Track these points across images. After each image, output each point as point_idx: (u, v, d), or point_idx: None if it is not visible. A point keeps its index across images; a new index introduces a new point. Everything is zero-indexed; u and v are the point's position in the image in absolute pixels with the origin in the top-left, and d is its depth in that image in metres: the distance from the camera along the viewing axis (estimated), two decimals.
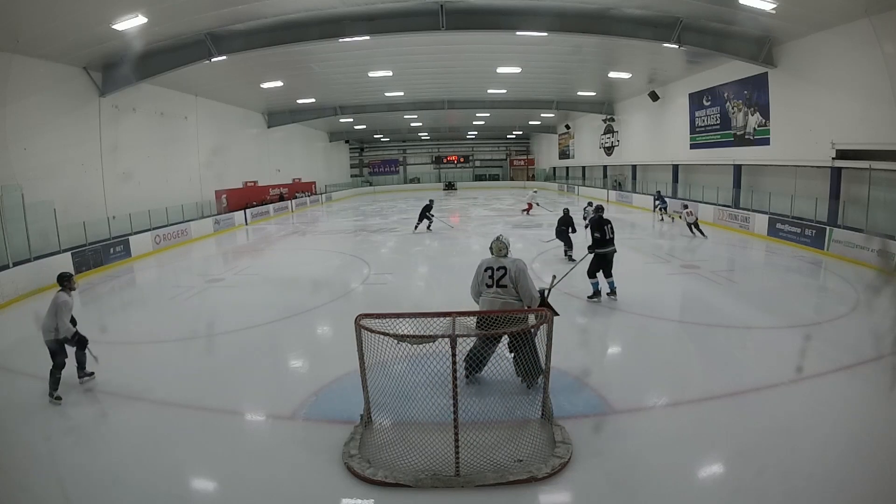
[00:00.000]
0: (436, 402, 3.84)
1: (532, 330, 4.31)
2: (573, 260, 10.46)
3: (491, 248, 5.12)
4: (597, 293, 8.01)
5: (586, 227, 11.86)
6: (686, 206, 15.81)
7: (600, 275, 7.96)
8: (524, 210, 22.14)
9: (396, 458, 3.72)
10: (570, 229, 11.37)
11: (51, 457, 4.06)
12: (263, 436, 4.52)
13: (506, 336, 4.51)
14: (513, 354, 4.56)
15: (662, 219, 18.45)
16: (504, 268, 4.87)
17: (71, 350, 5.36)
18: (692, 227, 14.65)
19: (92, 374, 5.56)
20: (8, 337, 7.61)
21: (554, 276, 6.55)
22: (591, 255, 7.97)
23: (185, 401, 4.96)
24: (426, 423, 3.92)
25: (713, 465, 3.88)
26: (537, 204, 22.36)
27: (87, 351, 5.45)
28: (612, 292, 8.02)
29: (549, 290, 5.76)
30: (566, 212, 11.78)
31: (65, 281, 5.45)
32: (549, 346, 3.93)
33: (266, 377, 5.70)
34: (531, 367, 4.43)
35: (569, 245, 11.37)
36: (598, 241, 7.80)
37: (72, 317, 5.34)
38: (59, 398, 5.11)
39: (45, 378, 5.06)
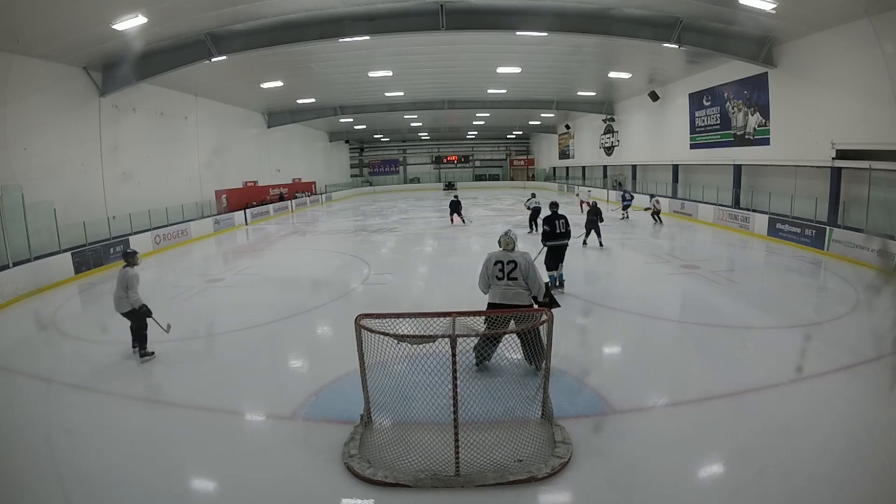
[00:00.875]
0: (436, 402, 3.83)
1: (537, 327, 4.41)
2: (602, 246, 12.64)
3: (499, 242, 5.40)
4: (553, 284, 8.38)
5: (530, 218, 15.73)
6: (652, 196, 18.85)
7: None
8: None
9: (396, 458, 3.72)
10: (598, 218, 12.69)
11: (51, 457, 4.05)
12: (263, 436, 4.51)
13: (513, 322, 4.64)
14: (520, 341, 4.81)
15: (623, 216, 18.71)
16: (514, 261, 5.19)
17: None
18: (655, 215, 17.17)
19: (152, 353, 5.94)
20: (8, 337, 7.60)
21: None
22: (546, 248, 8.50)
23: (185, 401, 4.96)
24: (426, 423, 3.92)
25: (713, 466, 3.88)
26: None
27: (153, 319, 5.81)
28: (560, 284, 8.43)
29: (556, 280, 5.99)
30: (594, 204, 13.26)
31: (129, 257, 5.90)
32: (550, 345, 3.95)
33: (266, 377, 5.70)
34: (537, 352, 4.58)
35: (598, 233, 12.76)
36: (548, 234, 8.34)
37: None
38: (151, 353, 5.75)
39: (44, 378, 5.08)
